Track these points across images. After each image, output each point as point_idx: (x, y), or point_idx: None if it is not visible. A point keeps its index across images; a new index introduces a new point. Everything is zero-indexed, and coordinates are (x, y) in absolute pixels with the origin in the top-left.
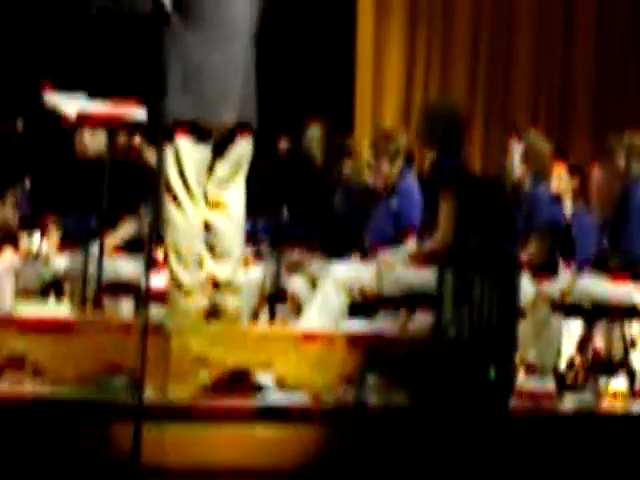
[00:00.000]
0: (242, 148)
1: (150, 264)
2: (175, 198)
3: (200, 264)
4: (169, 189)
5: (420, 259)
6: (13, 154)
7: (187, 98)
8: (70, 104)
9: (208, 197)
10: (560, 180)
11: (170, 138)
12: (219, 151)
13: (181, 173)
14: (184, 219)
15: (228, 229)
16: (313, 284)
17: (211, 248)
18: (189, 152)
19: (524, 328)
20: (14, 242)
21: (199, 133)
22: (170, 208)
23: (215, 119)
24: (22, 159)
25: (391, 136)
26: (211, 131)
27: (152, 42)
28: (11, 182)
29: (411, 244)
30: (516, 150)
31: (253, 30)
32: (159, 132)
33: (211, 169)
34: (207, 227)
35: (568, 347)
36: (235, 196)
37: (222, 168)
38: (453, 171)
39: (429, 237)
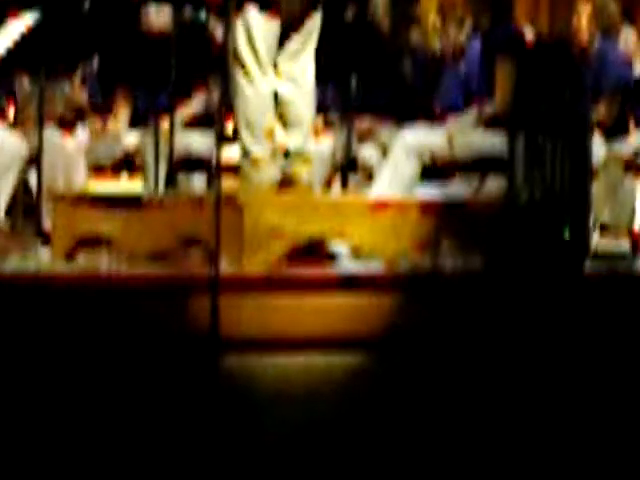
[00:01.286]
0: (312, 19)
1: (221, 138)
2: (245, 69)
3: (271, 134)
4: (238, 60)
5: (481, 123)
6: (79, 33)
7: None
8: None
9: (278, 68)
10: (628, 42)
11: (241, 9)
12: (289, 22)
13: (251, 44)
14: (254, 90)
15: (298, 99)
16: (384, 152)
17: (281, 118)
18: (259, 22)
19: (597, 189)
20: (84, 120)
21: (270, 4)
22: (239, 80)
23: None
24: (89, 37)
25: (457, 1)
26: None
27: None
28: (78, 61)
29: (474, 108)
30: (584, 10)
31: None
32: (231, 5)
33: (281, 40)
34: (277, 97)
35: None
36: (305, 66)
37: (293, 40)
38: (506, 36)
39: (488, 102)
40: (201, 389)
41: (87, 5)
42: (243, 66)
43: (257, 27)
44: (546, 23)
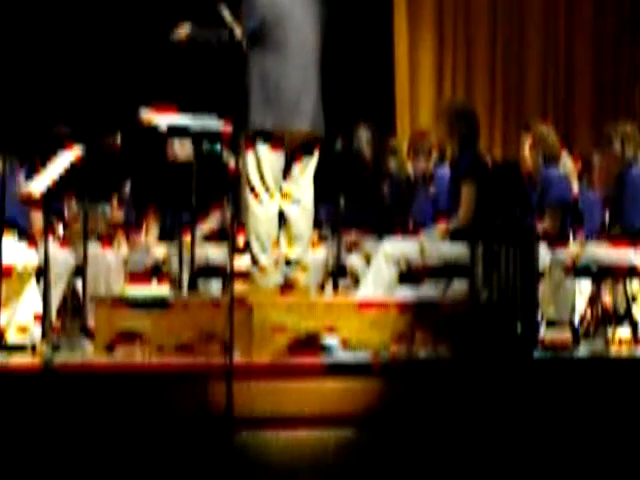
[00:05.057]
0: (312, 152)
1: (233, 249)
2: (255, 193)
3: (276, 246)
4: (250, 186)
5: (447, 235)
6: (115, 163)
7: (267, 111)
8: (162, 118)
9: (284, 191)
10: (566, 164)
11: (252, 144)
12: (293, 154)
13: (260, 172)
14: (262, 210)
15: (301, 218)
16: (368, 260)
17: (286, 233)
18: (267, 156)
19: (543, 289)
20: (121, 236)
21: (276, 141)
22: (251, 201)
23: (291, 128)
24: (123, 167)
25: (425, 135)
26: (285, 139)
27: (234, 66)
28: (115, 187)
29: (441, 223)
30: (527, 140)
31: (319, 50)
32: (242, 139)
33: (286, 168)
34: (283, 216)
35: (580, 303)
36: (305, 190)
37: (295, 168)
38: (472, 162)
39: (454, 217)
40: (218, 462)
41: (119, 139)
42: (254, 190)
43: (265, 159)
44: (499, 152)
